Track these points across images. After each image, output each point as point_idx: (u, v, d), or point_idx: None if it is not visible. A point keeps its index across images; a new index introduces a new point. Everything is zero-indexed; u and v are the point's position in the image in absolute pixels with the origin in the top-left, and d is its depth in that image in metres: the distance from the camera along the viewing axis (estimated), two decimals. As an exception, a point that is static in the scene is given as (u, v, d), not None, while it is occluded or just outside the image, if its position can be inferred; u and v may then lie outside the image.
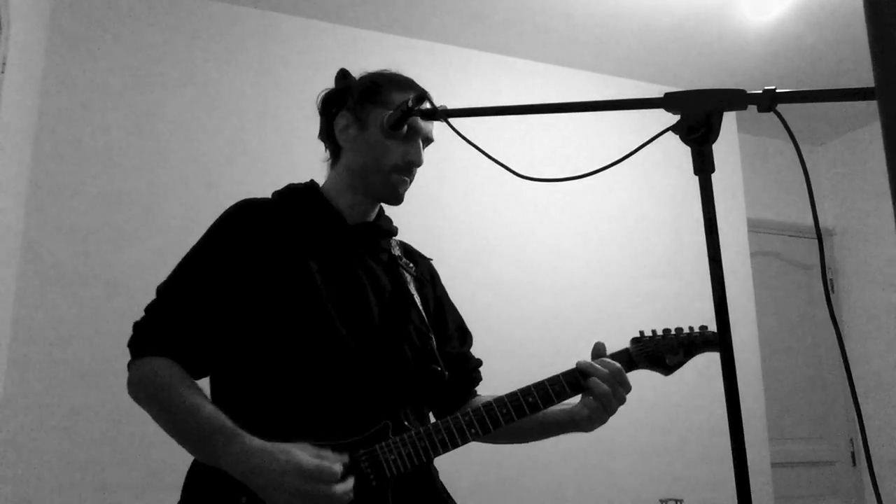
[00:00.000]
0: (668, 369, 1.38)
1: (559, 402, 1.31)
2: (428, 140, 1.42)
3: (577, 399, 1.35)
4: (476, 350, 1.59)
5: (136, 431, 2.56)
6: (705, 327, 1.40)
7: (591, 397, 1.31)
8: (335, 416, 1.23)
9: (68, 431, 2.56)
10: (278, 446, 1.14)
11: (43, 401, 2.55)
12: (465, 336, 1.56)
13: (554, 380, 1.31)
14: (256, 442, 1.14)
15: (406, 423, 1.26)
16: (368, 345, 1.29)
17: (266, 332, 1.27)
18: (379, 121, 1.35)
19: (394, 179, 1.37)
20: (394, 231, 1.49)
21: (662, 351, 1.38)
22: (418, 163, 1.38)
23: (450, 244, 3.24)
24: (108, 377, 2.61)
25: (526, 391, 1.29)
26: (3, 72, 2.12)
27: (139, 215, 2.83)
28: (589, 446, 3.21)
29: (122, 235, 2.78)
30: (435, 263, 1.59)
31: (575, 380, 1.32)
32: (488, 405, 1.28)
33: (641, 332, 1.40)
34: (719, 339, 0.94)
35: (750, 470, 0.90)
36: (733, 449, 0.90)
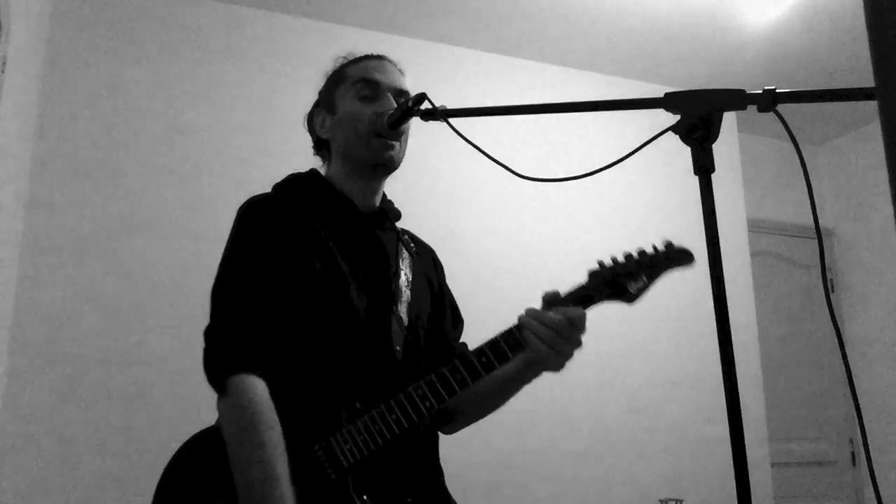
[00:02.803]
0: (631, 297, 1.27)
1: (514, 357, 1.24)
2: (399, 91, 1.40)
3: None
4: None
5: (136, 432, 2.56)
6: (670, 242, 1.29)
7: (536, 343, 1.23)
8: (319, 400, 1.23)
9: (69, 433, 2.56)
10: None
11: (43, 402, 2.55)
12: (457, 323, 1.55)
13: (507, 332, 1.23)
14: None
15: (358, 405, 1.21)
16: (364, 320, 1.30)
17: (301, 321, 1.26)
18: (344, 96, 1.40)
19: (374, 143, 1.36)
20: (398, 214, 1.50)
21: (622, 278, 1.27)
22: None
23: (449, 243, 3.22)
24: (109, 377, 2.61)
25: (478, 351, 1.23)
26: (3, 72, 2.12)
27: (139, 214, 2.83)
28: (589, 446, 3.21)
29: (122, 235, 2.78)
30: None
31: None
32: (440, 372, 1.21)
33: (600, 263, 1.29)
34: (719, 339, 0.94)
35: (750, 470, 0.90)
36: (733, 449, 0.90)
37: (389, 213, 1.46)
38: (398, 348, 1.32)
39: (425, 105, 1.29)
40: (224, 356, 1.20)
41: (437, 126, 1.32)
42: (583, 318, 1.23)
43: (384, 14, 3.28)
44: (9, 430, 2.48)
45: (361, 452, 1.18)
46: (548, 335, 1.21)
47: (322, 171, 1.47)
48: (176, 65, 3.03)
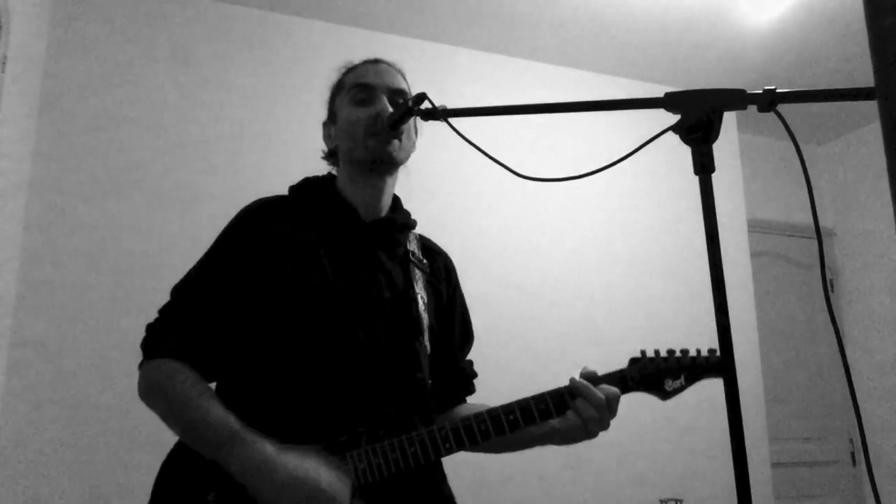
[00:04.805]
0: (665, 394, 1.30)
1: (542, 423, 1.26)
2: (394, 90, 1.41)
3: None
4: (475, 352, 1.58)
5: (135, 431, 2.56)
6: (714, 351, 1.30)
7: (573, 416, 1.26)
8: (315, 416, 1.22)
9: (69, 431, 2.56)
10: (290, 457, 1.13)
11: (43, 401, 2.55)
12: (466, 339, 1.54)
13: (539, 398, 1.25)
14: (269, 448, 1.14)
15: (381, 431, 1.23)
16: (377, 345, 1.29)
17: (276, 332, 1.27)
18: (342, 103, 1.42)
19: (370, 143, 1.36)
20: (412, 224, 1.48)
21: (662, 374, 1.30)
22: (384, 113, 1.36)
23: (448, 244, 3.22)
24: (109, 375, 2.61)
25: (508, 409, 1.24)
26: (3, 71, 2.12)
27: (139, 213, 2.83)
28: (589, 446, 3.20)
29: (122, 232, 2.78)
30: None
31: (561, 400, 1.26)
32: (467, 420, 1.23)
33: (643, 352, 1.32)
34: (719, 339, 0.94)
35: (750, 470, 0.90)
36: (733, 449, 0.89)
37: (398, 222, 1.44)
38: (429, 381, 1.35)
39: (425, 105, 1.29)
40: (153, 341, 1.28)
41: (437, 126, 1.32)
42: (618, 401, 1.26)
43: (384, 14, 3.28)
44: (9, 430, 2.49)
45: (374, 475, 1.19)
46: (600, 408, 1.24)
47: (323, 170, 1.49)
48: (176, 65, 3.03)
